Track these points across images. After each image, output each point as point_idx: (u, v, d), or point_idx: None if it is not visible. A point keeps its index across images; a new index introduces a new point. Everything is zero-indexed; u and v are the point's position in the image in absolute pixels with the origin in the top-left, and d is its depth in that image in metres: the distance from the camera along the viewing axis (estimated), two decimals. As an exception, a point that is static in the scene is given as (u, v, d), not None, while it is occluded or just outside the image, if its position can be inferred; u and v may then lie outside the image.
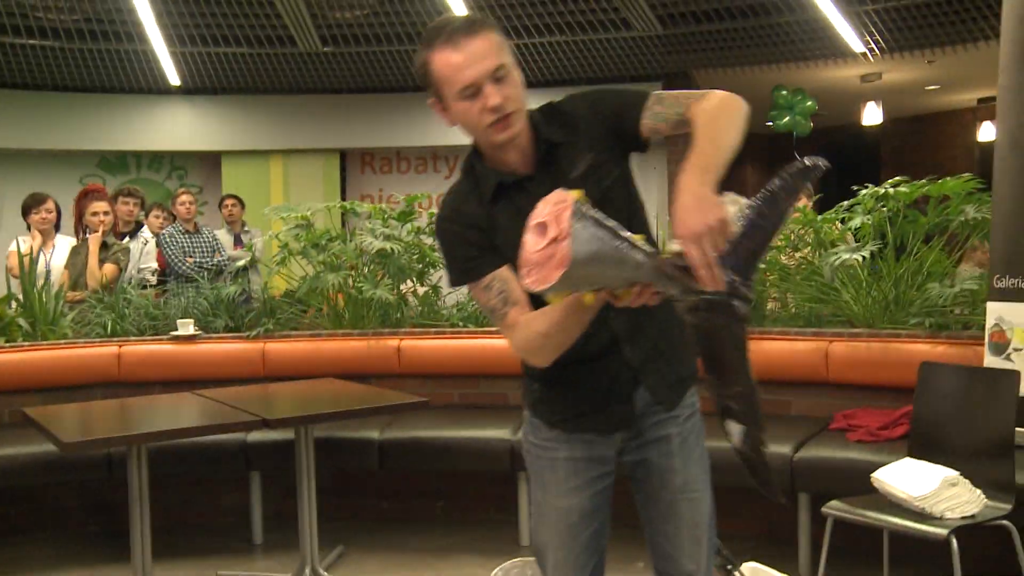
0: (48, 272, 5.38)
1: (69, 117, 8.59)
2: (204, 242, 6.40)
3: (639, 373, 1.95)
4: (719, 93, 1.79)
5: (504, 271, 1.84)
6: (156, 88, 8.48)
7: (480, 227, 1.87)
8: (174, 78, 8.18)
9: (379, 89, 8.86)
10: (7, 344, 4.70)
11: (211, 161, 9.33)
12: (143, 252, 6.17)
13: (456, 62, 1.75)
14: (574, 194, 1.53)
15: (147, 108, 8.77)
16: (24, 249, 5.23)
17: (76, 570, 4.07)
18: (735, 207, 1.52)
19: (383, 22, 7.19)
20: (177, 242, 6.26)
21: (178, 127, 8.83)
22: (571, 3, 6.88)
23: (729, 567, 2.96)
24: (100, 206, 5.58)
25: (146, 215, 6.60)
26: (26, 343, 4.71)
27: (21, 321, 4.85)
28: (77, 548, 4.31)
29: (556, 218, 1.49)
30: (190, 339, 4.79)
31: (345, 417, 3.87)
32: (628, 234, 1.51)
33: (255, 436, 4.24)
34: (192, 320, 4.86)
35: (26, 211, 5.62)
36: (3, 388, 4.55)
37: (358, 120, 9.13)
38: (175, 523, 4.54)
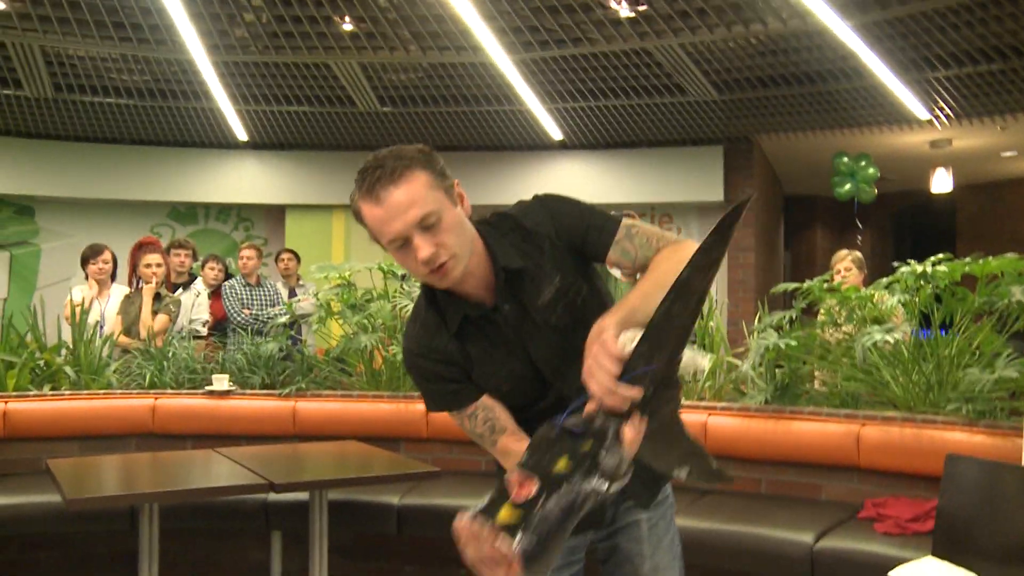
0: (102, 320, 5.56)
1: (143, 169, 8.91)
2: (264, 295, 6.53)
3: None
4: (687, 248, 1.69)
5: (485, 400, 1.81)
6: (225, 143, 8.76)
7: (453, 361, 1.81)
8: (241, 134, 8.43)
9: (436, 148, 8.96)
10: (51, 392, 4.84)
11: (276, 214, 9.56)
12: (195, 304, 6.31)
13: (378, 216, 1.64)
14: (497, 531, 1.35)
15: (216, 162, 9.05)
16: (78, 299, 5.41)
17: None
18: (632, 333, 1.46)
19: (437, 84, 7.34)
20: (236, 293, 6.42)
21: (245, 180, 9.08)
22: (624, 69, 6.91)
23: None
24: (153, 258, 5.73)
25: (201, 267, 6.77)
26: (68, 392, 4.84)
27: (68, 370, 4.99)
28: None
29: (486, 542, 1.34)
30: (224, 394, 4.87)
31: (357, 484, 3.88)
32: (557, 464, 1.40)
33: (275, 496, 4.26)
34: (227, 376, 4.94)
35: (84, 261, 5.83)
36: (44, 435, 4.68)
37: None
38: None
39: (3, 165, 8.59)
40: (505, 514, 1.34)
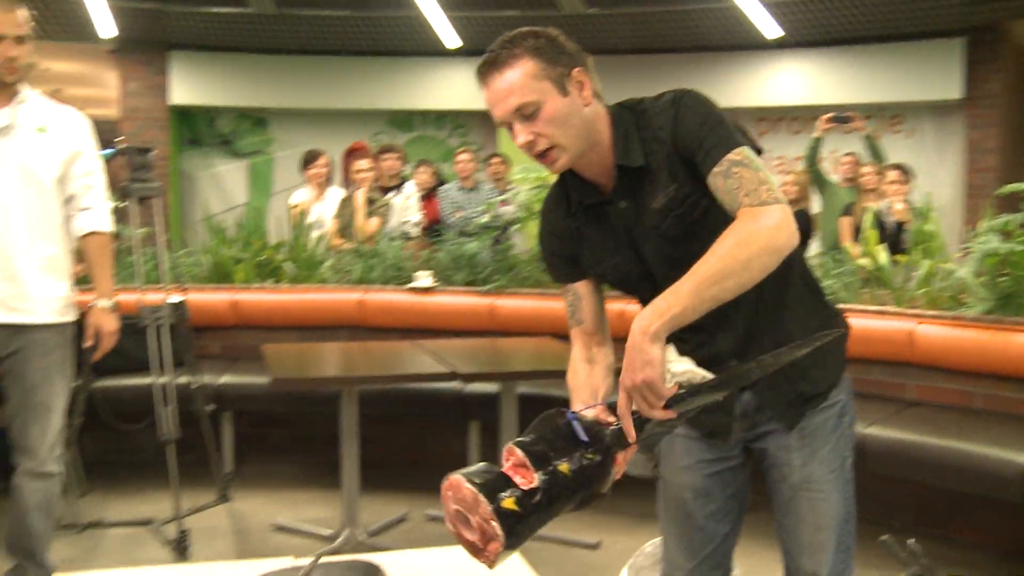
0: (320, 220, 5.91)
1: (363, 79, 9.27)
2: (479, 198, 6.67)
3: (750, 388, 1.86)
4: (762, 223, 1.56)
5: (579, 286, 1.88)
6: (437, 51, 8.93)
7: (559, 236, 1.87)
8: (452, 41, 8.57)
9: (653, 50, 8.77)
10: (272, 285, 5.23)
11: (490, 120, 9.65)
12: (406, 206, 6.56)
13: (487, 99, 1.70)
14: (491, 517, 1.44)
15: (431, 69, 9.26)
16: (296, 201, 5.77)
17: (313, 490, 4.51)
18: (681, 366, 1.54)
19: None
20: (451, 197, 6.61)
21: (457, 88, 9.23)
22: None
23: (928, 578, 2.73)
24: (363, 164, 5.99)
25: (413, 171, 7.02)
26: (286, 285, 5.21)
27: (287, 265, 5.36)
28: (319, 471, 4.73)
29: (485, 520, 1.44)
30: (427, 291, 5.08)
31: (543, 377, 3.95)
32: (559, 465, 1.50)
33: (472, 388, 4.44)
34: (430, 273, 5.13)
35: (304, 166, 6.18)
36: (267, 324, 5.08)
37: (634, 80, 9.08)
38: (404, 461, 4.87)
39: (239, 80, 9.19)
40: (508, 503, 1.43)
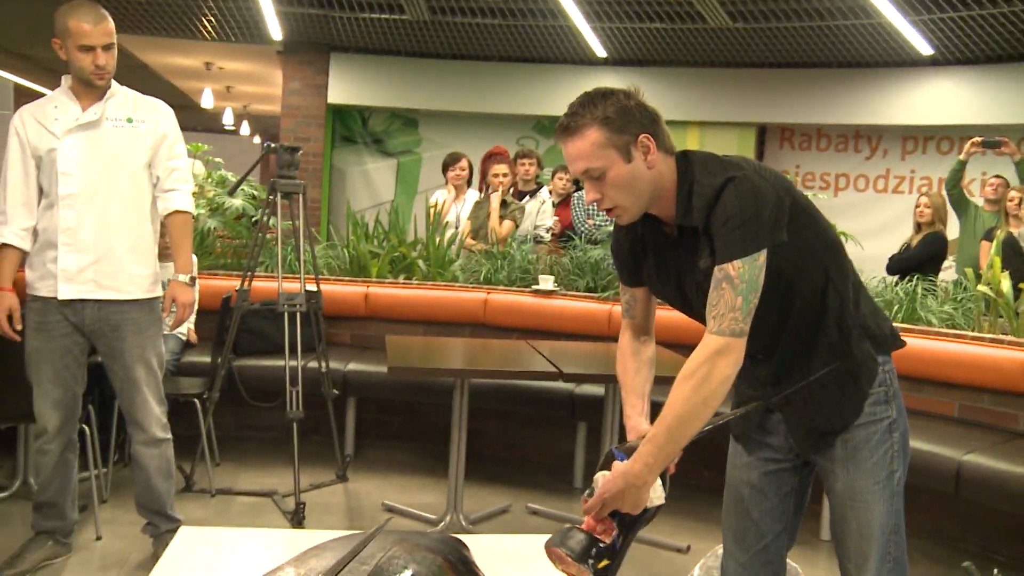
0: (457, 221, 6.18)
1: (511, 85, 9.53)
2: (610, 207, 6.82)
3: (779, 411, 2.09)
4: (722, 353, 1.78)
5: (637, 291, 2.11)
6: (585, 59, 9.11)
7: (626, 251, 2.07)
8: (600, 50, 8.73)
9: (800, 64, 8.68)
10: (404, 281, 5.53)
11: (632, 129, 9.76)
12: (540, 210, 6.76)
13: (564, 158, 1.92)
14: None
15: (577, 77, 9.41)
16: (434, 201, 6.06)
17: (425, 477, 4.77)
18: (654, 494, 1.82)
19: (793, -2, 7.08)
20: (583, 204, 6.77)
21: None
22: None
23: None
24: (501, 168, 6.21)
25: (551, 177, 7.20)
26: (417, 282, 5.50)
27: (420, 263, 5.65)
28: (434, 459, 5.00)
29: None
30: (548, 294, 5.27)
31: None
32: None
33: (582, 389, 4.60)
34: (552, 277, 5.32)
35: (445, 168, 6.45)
36: (396, 317, 5.38)
37: (779, 95, 9.03)
38: (513, 457, 5.07)
39: (392, 82, 9.61)
40: (603, 564, 1.76)
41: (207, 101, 12.98)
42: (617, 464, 1.82)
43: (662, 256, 1.99)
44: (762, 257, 1.80)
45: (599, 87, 1.89)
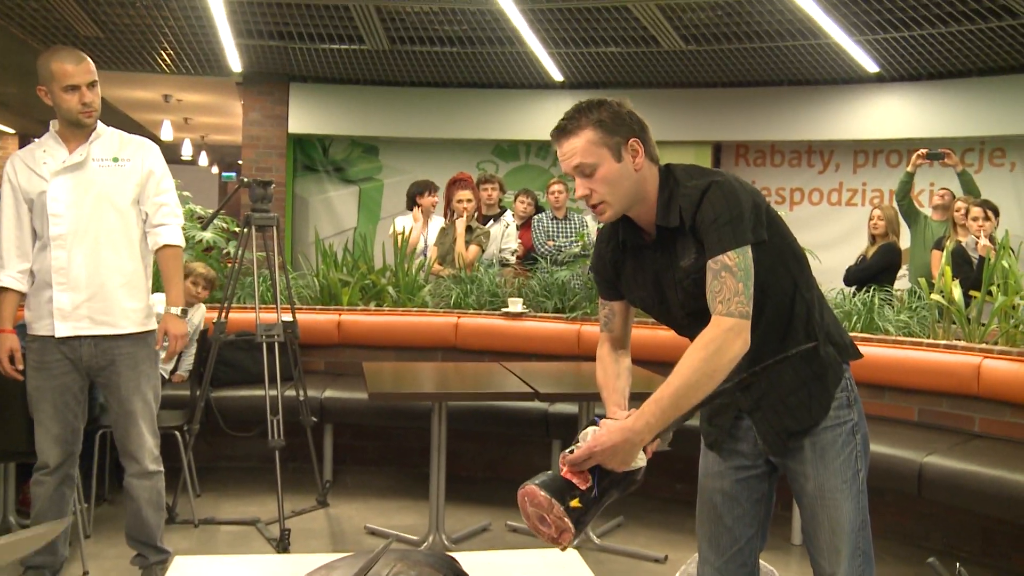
0: (425, 247, 6.27)
1: (470, 111, 9.66)
2: (570, 228, 6.94)
3: (748, 415, 2.21)
4: (733, 330, 1.90)
5: (615, 305, 2.25)
6: (542, 83, 9.28)
7: (606, 262, 2.21)
8: (557, 75, 8.90)
9: (752, 83, 8.92)
10: (375, 308, 5.62)
11: (590, 151, 9.93)
12: (504, 234, 6.88)
13: (558, 156, 2.07)
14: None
15: (535, 101, 9.60)
16: (399, 228, 6.15)
17: (404, 499, 4.84)
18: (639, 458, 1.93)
19: (740, 21, 7.28)
20: (543, 226, 6.89)
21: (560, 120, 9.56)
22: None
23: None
24: (465, 194, 6.31)
25: (514, 200, 7.34)
26: (388, 308, 5.59)
27: (390, 289, 5.74)
28: (411, 481, 5.08)
29: (560, 519, 1.84)
30: (518, 316, 5.38)
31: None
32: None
33: (555, 408, 4.71)
34: (521, 299, 5.44)
35: (416, 194, 6.51)
36: (368, 344, 5.47)
37: (733, 113, 9.26)
38: (490, 476, 5.17)
39: (352, 110, 9.71)
40: (575, 503, 1.84)
41: (166, 133, 12.98)
42: (611, 421, 1.93)
43: (641, 259, 2.14)
44: (750, 251, 1.95)
45: (592, 98, 2.06)
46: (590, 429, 1.93)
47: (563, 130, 2.03)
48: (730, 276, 1.93)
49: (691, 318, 2.07)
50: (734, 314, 1.92)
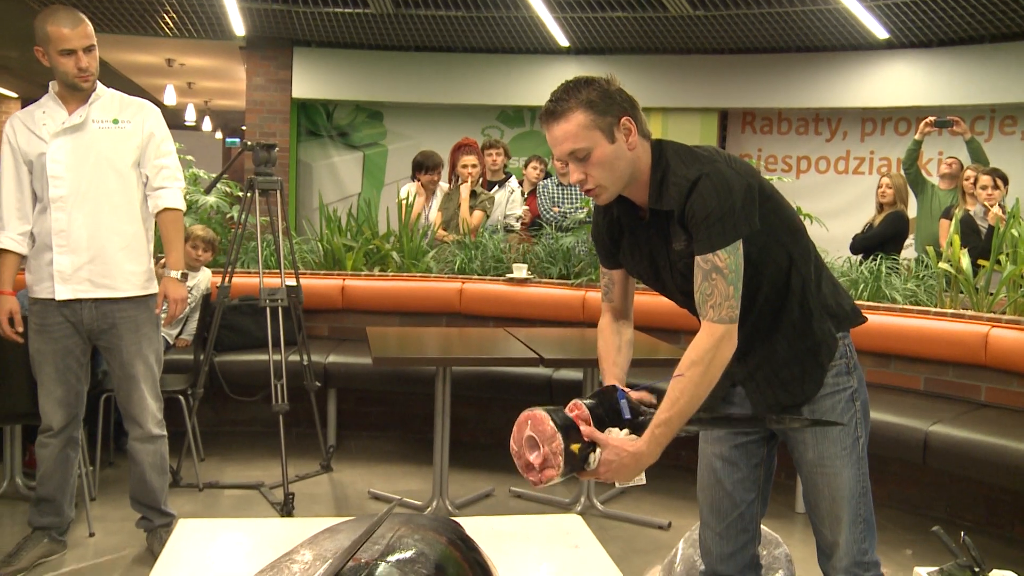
0: (426, 219, 6.23)
1: (475, 76, 9.59)
2: (575, 194, 6.90)
3: (741, 384, 2.21)
4: (724, 339, 1.92)
5: (615, 274, 2.23)
6: (548, 49, 9.19)
7: (604, 232, 2.19)
8: (563, 39, 8.82)
9: (760, 50, 8.84)
10: (379, 273, 5.60)
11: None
12: (509, 200, 6.83)
13: (548, 141, 2.00)
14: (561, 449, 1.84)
15: (541, 67, 9.52)
16: (403, 195, 6.11)
17: (408, 465, 4.85)
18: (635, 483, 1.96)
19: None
20: (549, 192, 6.84)
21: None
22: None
23: (977, 570, 2.86)
24: (470, 159, 6.27)
25: (524, 166, 7.28)
26: (392, 274, 5.57)
27: (394, 255, 5.72)
28: (415, 447, 5.09)
29: (552, 454, 1.84)
30: (522, 282, 5.36)
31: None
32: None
33: (560, 374, 4.70)
34: (526, 265, 5.41)
35: (419, 167, 6.44)
36: (372, 309, 5.45)
37: (740, 80, 9.18)
38: (493, 442, 5.17)
39: (356, 75, 9.64)
40: (575, 448, 1.85)
41: (170, 98, 12.90)
42: (624, 439, 1.91)
43: (636, 236, 2.11)
44: (741, 246, 1.93)
45: (579, 76, 1.98)
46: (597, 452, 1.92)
47: (552, 113, 1.95)
48: (721, 279, 1.92)
49: (686, 297, 2.07)
50: (725, 320, 1.93)
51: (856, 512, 2.14)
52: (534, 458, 1.86)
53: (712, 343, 1.92)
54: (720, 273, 1.91)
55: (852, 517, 2.14)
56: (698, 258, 1.93)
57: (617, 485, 2.02)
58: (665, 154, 2.01)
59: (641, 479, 1.96)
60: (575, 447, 1.84)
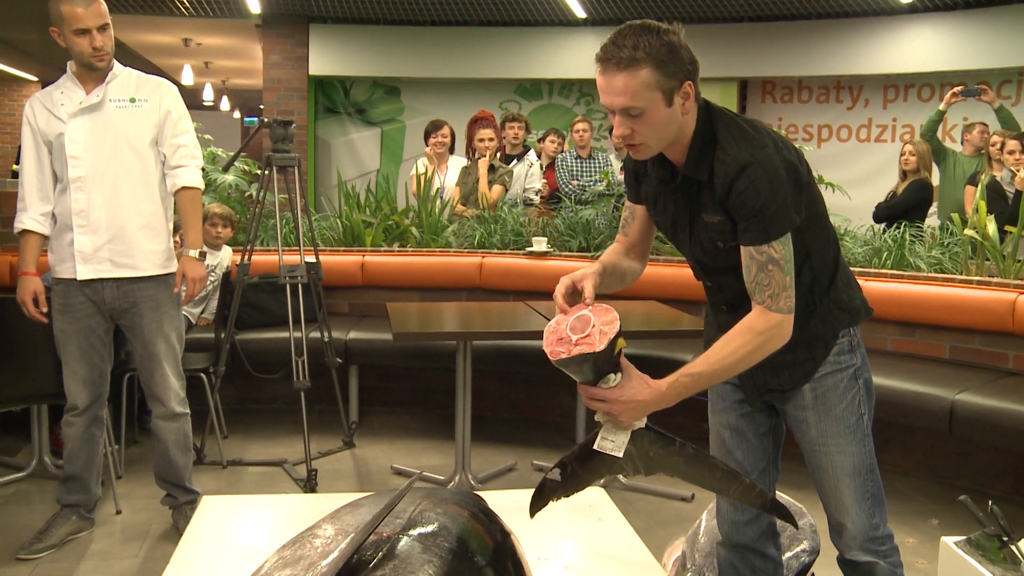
0: (442, 189, 6.20)
1: (492, 49, 9.54)
2: (595, 167, 6.85)
3: None
4: (781, 327, 1.89)
5: (638, 209, 2.16)
6: (565, 21, 9.11)
7: (634, 173, 2.13)
8: (580, 11, 8.73)
9: (779, 17, 8.72)
10: (399, 248, 5.59)
11: (615, 89, 9.78)
12: (528, 174, 6.79)
13: (601, 85, 1.85)
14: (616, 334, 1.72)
15: (558, 39, 9.45)
16: (420, 170, 6.09)
17: (430, 440, 4.86)
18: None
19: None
20: (567, 165, 6.80)
21: (584, 57, 9.38)
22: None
23: (1005, 539, 2.83)
24: (486, 133, 6.22)
25: (542, 140, 7.23)
26: (411, 249, 5.56)
27: (413, 230, 5.71)
28: (437, 422, 5.10)
29: (601, 332, 1.72)
30: (542, 255, 5.33)
31: (643, 337, 4.14)
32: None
33: (580, 347, 4.68)
34: (546, 239, 5.38)
35: (426, 136, 6.45)
36: (392, 284, 5.44)
37: (760, 48, 9.07)
38: (515, 416, 5.17)
39: (373, 51, 9.59)
40: (622, 343, 1.75)
41: (187, 78, 12.91)
42: (645, 378, 1.82)
43: (663, 192, 2.05)
44: (791, 237, 1.90)
45: (647, 21, 1.84)
46: (611, 376, 1.81)
47: (617, 61, 1.79)
48: (778, 270, 1.87)
49: (699, 264, 2.04)
50: (783, 310, 1.89)
51: (864, 489, 2.11)
52: (575, 333, 1.73)
53: (770, 326, 1.89)
54: (776, 264, 1.87)
55: (860, 494, 2.11)
56: (751, 248, 1.88)
57: (602, 435, 1.89)
58: (714, 123, 1.92)
59: (640, 423, 1.85)
60: (622, 342, 1.74)
